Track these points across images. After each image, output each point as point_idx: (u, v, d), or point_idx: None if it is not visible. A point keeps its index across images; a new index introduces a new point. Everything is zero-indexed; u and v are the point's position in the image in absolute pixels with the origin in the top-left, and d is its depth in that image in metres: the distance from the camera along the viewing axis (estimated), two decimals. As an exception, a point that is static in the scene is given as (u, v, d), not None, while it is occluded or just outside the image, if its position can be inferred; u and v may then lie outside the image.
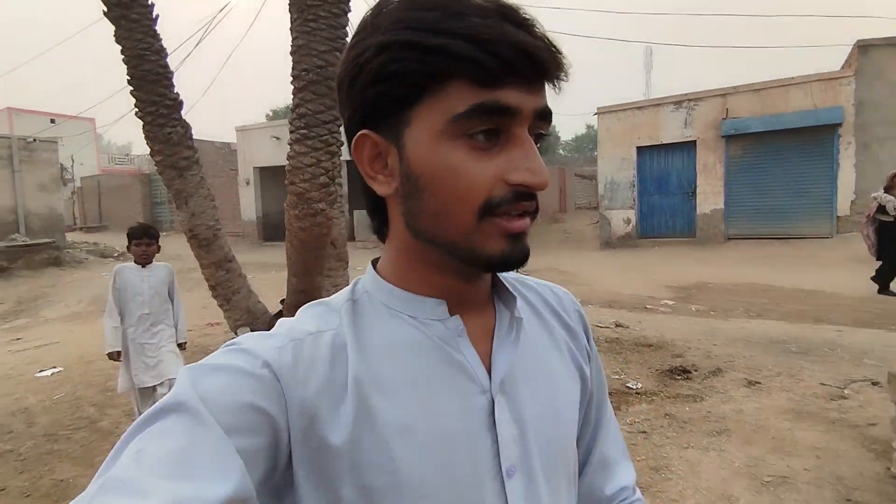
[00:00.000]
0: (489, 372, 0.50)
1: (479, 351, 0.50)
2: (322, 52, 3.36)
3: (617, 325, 5.87)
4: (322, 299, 0.52)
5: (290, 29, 3.52)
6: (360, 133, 0.47)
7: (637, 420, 3.46)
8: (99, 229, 20.83)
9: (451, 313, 0.50)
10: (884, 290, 7.18)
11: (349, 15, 3.67)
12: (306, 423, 0.43)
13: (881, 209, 6.94)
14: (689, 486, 2.66)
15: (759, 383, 4.01)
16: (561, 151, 36.28)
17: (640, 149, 12.45)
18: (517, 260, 0.47)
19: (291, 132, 3.50)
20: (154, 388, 3.17)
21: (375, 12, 0.45)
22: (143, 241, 3.23)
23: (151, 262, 3.28)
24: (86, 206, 23.42)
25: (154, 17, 4.66)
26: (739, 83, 11.34)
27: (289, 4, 3.55)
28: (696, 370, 4.32)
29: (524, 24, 0.42)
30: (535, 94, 0.44)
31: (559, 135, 38.26)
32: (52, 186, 13.66)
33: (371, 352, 0.47)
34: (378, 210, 0.52)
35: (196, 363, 0.43)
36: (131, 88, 4.54)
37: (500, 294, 0.55)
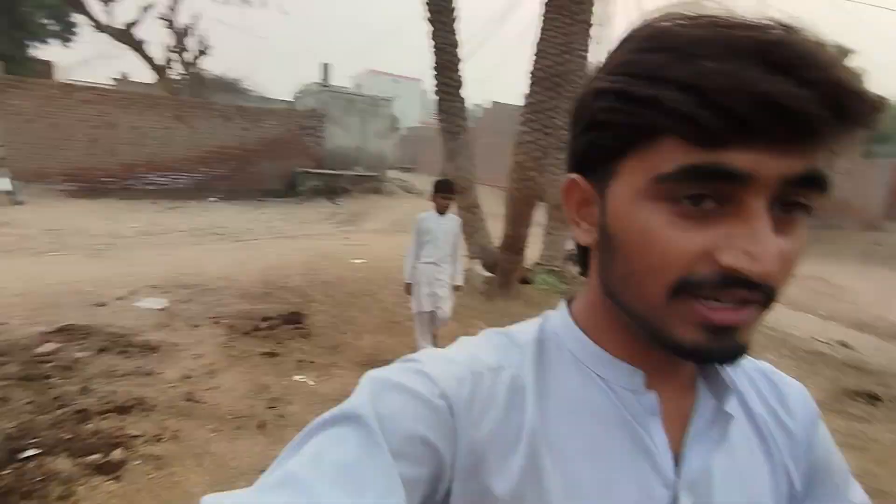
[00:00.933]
0: (676, 463, 0.43)
1: (668, 437, 0.44)
2: (552, 55, 4.34)
3: (841, 345, 5.36)
4: (506, 328, 0.49)
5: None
6: (569, 178, 0.45)
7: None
8: (409, 170, 26.20)
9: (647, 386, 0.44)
10: None
11: (595, 25, 4.49)
12: (472, 464, 0.41)
13: None
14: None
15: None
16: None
17: None
18: (718, 359, 0.38)
19: (522, 115, 4.65)
20: (432, 312, 3.88)
21: (617, 45, 0.40)
22: (448, 196, 3.86)
23: (446, 213, 3.90)
24: (405, 151, 29.58)
25: (454, 18, 6.30)
26: None
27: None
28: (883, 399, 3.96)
29: (791, 66, 0.32)
30: (788, 155, 0.34)
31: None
32: (384, 134, 18.17)
33: (551, 404, 0.44)
34: (583, 253, 0.48)
35: (379, 372, 0.43)
36: (434, 73, 6.34)
37: (708, 376, 0.47)
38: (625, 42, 0.39)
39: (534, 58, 4.52)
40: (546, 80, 4.38)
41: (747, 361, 0.51)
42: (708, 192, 0.35)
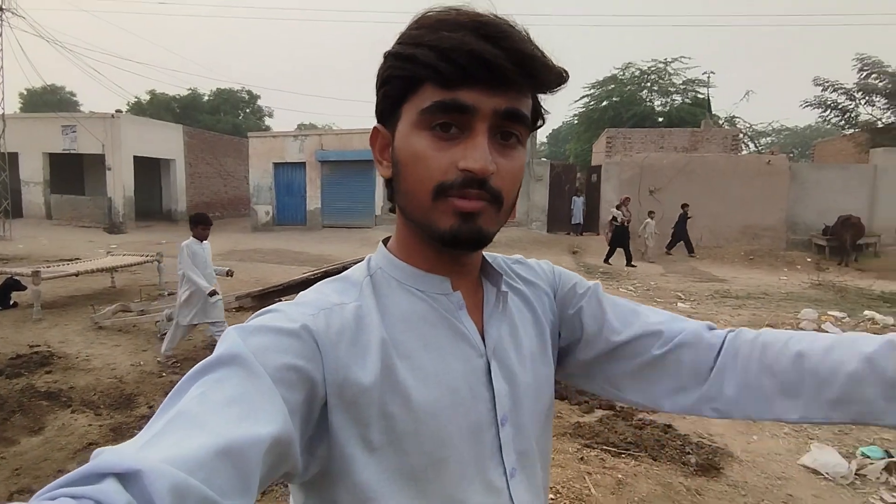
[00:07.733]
0: (483, 338, 0.61)
1: (474, 321, 0.61)
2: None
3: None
4: (339, 275, 0.61)
5: None
6: (374, 127, 0.60)
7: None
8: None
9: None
10: (608, 259, 12.26)
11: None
12: (342, 377, 0.51)
13: (614, 218, 12.20)
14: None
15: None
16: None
17: (275, 164, 18.60)
18: (467, 238, 0.54)
19: None
20: None
21: (406, 27, 0.56)
22: None
23: None
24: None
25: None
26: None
27: None
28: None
29: (493, 37, 0.50)
30: (497, 95, 0.52)
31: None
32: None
33: (391, 319, 0.57)
34: (392, 192, 0.61)
35: (240, 325, 0.50)
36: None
37: (486, 272, 0.66)
38: (408, 25, 0.55)
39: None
40: None
41: (505, 258, 0.73)
42: (453, 121, 0.53)
